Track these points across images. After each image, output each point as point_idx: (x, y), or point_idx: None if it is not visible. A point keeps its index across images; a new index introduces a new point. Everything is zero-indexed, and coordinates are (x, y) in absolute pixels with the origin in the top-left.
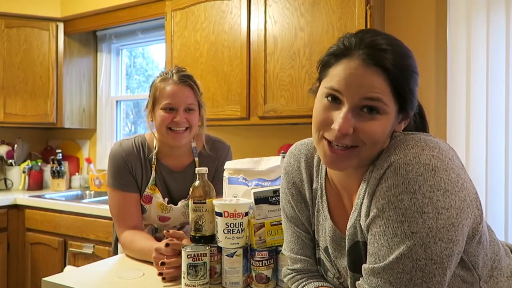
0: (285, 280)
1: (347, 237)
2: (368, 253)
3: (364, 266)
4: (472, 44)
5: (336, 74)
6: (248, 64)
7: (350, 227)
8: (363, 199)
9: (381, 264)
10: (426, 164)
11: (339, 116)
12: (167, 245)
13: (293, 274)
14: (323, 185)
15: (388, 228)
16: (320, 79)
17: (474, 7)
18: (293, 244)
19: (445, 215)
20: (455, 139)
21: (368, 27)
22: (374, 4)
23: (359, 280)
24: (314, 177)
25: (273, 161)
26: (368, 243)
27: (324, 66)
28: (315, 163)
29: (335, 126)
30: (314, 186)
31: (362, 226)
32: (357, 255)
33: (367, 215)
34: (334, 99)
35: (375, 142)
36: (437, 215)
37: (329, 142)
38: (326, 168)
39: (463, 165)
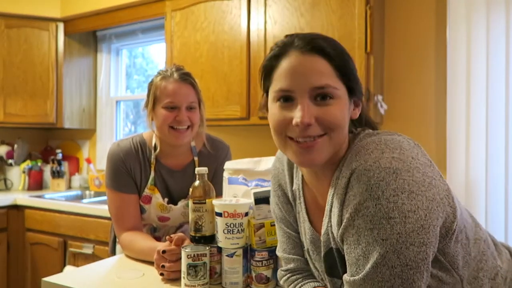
0: (281, 282)
1: (322, 243)
2: (347, 263)
3: (345, 277)
4: (472, 44)
5: (280, 74)
6: (248, 64)
7: (323, 234)
8: (331, 206)
9: (360, 275)
10: (386, 168)
11: (296, 110)
12: (163, 252)
13: (288, 275)
14: (300, 186)
15: (361, 237)
16: (266, 90)
17: (474, 7)
18: (285, 244)
19: (413, 218)
20: (455, 139)
21: (368, 27)
22: (374, 4)
23: (337, 284)
24: (294, 178)
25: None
26: (345, 253)
27: (267, 72)
28: (294, 165)
29: (297, 119)
30: (294, 187)
31: (334, 234)
32: (332, 261)
33: (339, 224)
34: (286, 99)
35: (339, 125)
36: (404, 219)
37: (296, 141)
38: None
39: (431, 162)
